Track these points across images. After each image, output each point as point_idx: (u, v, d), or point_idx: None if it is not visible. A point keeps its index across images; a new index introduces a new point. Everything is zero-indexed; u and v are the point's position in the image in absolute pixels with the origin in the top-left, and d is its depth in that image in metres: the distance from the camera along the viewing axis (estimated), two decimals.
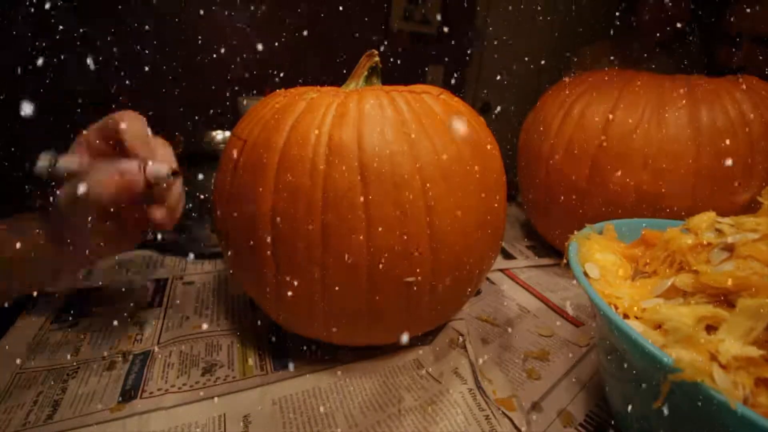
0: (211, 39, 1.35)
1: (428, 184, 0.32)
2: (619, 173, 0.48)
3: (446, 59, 1.72)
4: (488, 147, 0.38)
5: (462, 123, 0.35)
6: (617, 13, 1.16)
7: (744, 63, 0.89)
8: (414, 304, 0.34)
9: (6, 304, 0.39)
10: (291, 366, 0.39)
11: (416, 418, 0.34)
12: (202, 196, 0.57)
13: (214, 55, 1.36)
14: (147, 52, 1.26)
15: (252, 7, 1.40)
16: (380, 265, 0.32)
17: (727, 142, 0.46)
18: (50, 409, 0.33)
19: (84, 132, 0.35)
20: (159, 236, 0.59)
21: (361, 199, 0.31)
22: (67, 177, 0.34)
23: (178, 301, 0.48)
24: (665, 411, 0.24)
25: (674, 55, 1.06)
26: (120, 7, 1.22)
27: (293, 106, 0.34)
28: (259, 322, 0.44)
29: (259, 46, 1.41)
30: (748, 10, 0.87)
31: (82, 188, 0.33)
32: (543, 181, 0.55)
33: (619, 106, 0.50)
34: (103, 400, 0.34)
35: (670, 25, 1.01)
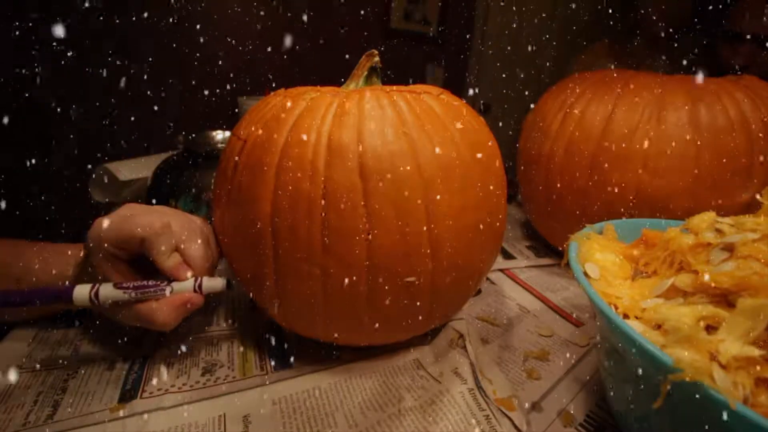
0: (212, 39, 1.35)
1: (428, 184, 0.32)
2: (619, 173, 0.48)
3: (446, 59, 1.72)
4: (488, 147, 0.38)
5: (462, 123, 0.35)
6: (617, 13, 1.16)
7: (746, 63, 0.89)
8: (414, 304, 0.34)
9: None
10: (291, 366, 0.39)
11: (416, 418, 0.34)
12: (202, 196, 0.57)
13: (214, 55, 1.36)
14: (147, 52, 1.26)
15: (252, 8, 1.40)
16: (380, 265, 0.32)
17: (727, 141, 0.46)
18: (50, 409, 0.33)
19: (99, 228, 0.34)
20: None
21: (361, 199, 0.31)
22: (111, 305, 0.34)
23: None
24: (665, 411, 0.24)
25: (674, 55, 1.06)
26: (120, 7, 1.22)
27: (293, 106, 0.34)
28: (259, 322, 0.44)
29: (259, 46, 1.41)
30: (751, 10, 0.87)
31: (139, 317, 0.33)
32: (543, 181, 0.55)
33: (619, 106, 0.50)
34: (103, 400, 0.34)
35: (670, 24, 1.01)
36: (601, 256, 0.34)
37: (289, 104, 0.35)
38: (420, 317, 0.37)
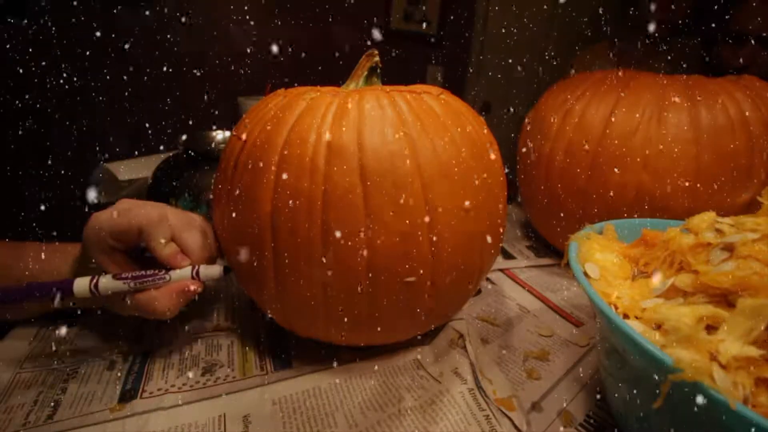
0: (212, 39, 1.35)
1: (428, 184, 0.32)
2: (619, 173, 0.48)
3: (446, 59, 1.72)
4: (488, 147, 0.38)
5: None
6: (617, 14, 1.16)
7: (748, 63, 0.89)
8: (414, 304, 0.34)
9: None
10: (291, 366, 0.39)
11: (416, 418, 0.34)
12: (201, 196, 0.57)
13: (214, 55, 1.36)
14: (148, 52, 1.26)
15: (252, 8, 1.40)
16: (380, 265, 0.32)
17: (727, 142, 0.46)
18: (50, 409, 0.33)
19: (96, 222, 0.35)
20: None
21: (361, 199, 0.31)
22: (111, 295, 0.34)
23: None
24: (665, 411, 0.24)
25: (674, 55, 1.06)
26: (121, 7, 1.22)
27: (293, 106, 0.34)
28: (259, 322, 0.44)
29: (259, 46, 1.41)
30: (754, 11, 0.87)
31: (138, 306, 0.34)
32: (543, 181, 0.55)
33: (619, 106, 0.50)
34: (103, 400, 0.34)
35: (671, 25, 1.01)
36: (601, 256, 0.34)
37: (289, 104, 0.35)
38: (420, 317, 0.37)
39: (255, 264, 0.34)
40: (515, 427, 0.33)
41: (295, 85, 0.40)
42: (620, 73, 0.55)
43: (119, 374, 0.37)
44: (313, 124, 0.32)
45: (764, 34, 0.87)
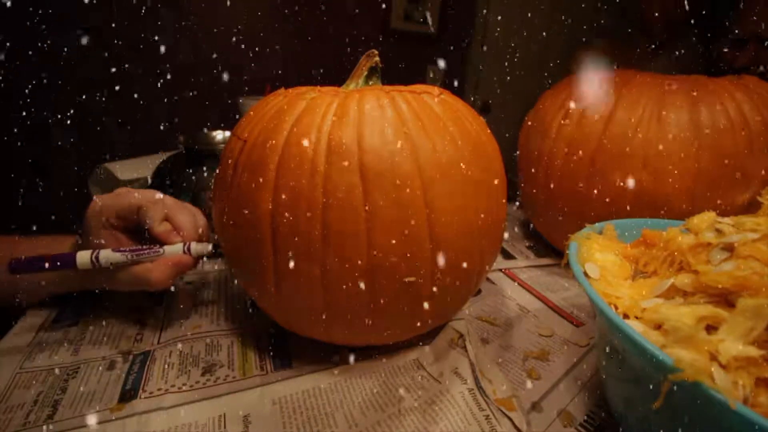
0: (212, 39, 1.35)
1: (428, 184, 0.32)
2: (619, 173, 0.48)
3: (446, 59, 1.72)
4: (488, 147, 0.38)
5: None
6: (618, 13, 1.16)
7: (749, 63, 0.89)
8: (414, 304, 0.34)
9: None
10: (291, 366, 0.39)
11: (416, 418, 0.34)
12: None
13: (214, 55, 1.36)
14: (148, 52, 1.26)
15: (252, 8, 1.40)
16: (380, 265, 0.32)
17: (727, 142, 0.46)
18: (50, 409, 0.33)
19: (98, 204, 0.39)
20: None
21: (361, 199, 0.31)
22: (110, 267, 0.38)
23: (178, 301, 0.48)
24: (665, 411, 0.24)
25: (674, 55, 1.06)
26: (121, 7, 1.22)
27: (293, 106, 0.34)
28: (259, 322, 0.44)
29: (259, 46, 1.41)
30: (757, 12, 0.87)
31: (137, 280, 0.37)
32: (543, 181, 0.55)
33: (619, 106, 0.50)
34: (103, 400, 0.34)
35: (671, 25, 1.01)
36: (601, 256, 0.34)
37: (289, 104, 0.35)
38: (420, 317, 0.37)
39: (255, 264, 0.34)
40: (515, 427, 0.33)
41: (296, 84, 0.40)
42: (620, 73, 0.55)
43: (119, 374, 0.37)
44: (313, 124, 0.32)
45: (766, 35, 0.87)
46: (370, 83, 0.40)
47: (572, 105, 0.53)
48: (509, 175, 0.41)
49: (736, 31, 0.90)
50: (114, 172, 0.70)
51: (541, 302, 0.51)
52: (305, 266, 0.32)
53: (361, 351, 0.40)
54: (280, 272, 0.33)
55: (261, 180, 0.32)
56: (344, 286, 0.32)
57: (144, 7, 1.23)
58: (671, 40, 1.03)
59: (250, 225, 0.33)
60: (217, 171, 0.38)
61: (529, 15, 1.54)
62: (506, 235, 0.68)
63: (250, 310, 0.46)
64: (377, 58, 0.39)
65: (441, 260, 0.33)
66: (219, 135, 0.68)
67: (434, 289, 0.34)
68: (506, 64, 1.62)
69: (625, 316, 0.28)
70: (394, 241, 0.31)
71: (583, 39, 1.20)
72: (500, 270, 0.59)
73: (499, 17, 1.63)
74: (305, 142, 0.32)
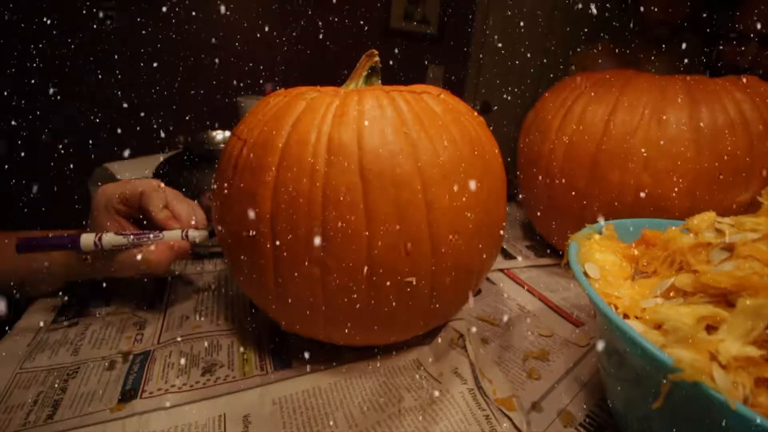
0: (212, 39, 1.35)
1: (428, 184, 0.32)
2: (619, 173, 0.48)
3: (446, 59, 1.72)
4: (488, 147, 0.38)
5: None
6: (617, 13, 1.16)
7: (751, 63, 0.89)
8: (414, 304, 0.34)
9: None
10: (291, 366, 0.39)
11: (416, 418, 0.34)
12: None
13: (214, 55, 1.36)
14: (148, 52, 1.26)
15: (252, 8, 1.40)
16: (380, 265, 0.32)
17: (727, 142, 0.46)
18: (50, 409, 0.33)
19: (105, 189, 0.42)
20: None
21: (361, 199, 0.31)
22: (112, 249, 0.40)
23: (178, 301, 0.48)
24: (665, 411, 0.24)
25: (674, 55, 1.06)
26: (121, 7, 1.22)
27: (293, 106, 0.34)
28: (259, 322, 0.44)
29: (259, 46, 1.41)
30: (756, 10, 0.86)
31: (138, 262, 0.39)
32: (543, 181, 0.55)
33: (619, 107, 0.50)
34: (103, 400, 0.34)
35: (671, 24, 1.01)
36: (601, 256, 0.34)
37: (289, 104, 0.35)
38: (420, 317, 0.37)
39: (255, 264, 0.34)
40: (515, 427, 0.33)
41: (296, 84, 0.40)
42: (620, 73, 0.55)
43: (119, 374, 0.37)
44: (313, 123, 0.32)
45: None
46: (370, 83, 0.40)
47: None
48: (509, 175, 0.41)
49: (738, 29, 0.90)
50: (114, 173, 0.70)
51: (541, 302, 0.52)
52: (305, 266, 0.32)
53: (361, 351, 0.40)
54: (279, 272, 0.33)
55: (261, 180, 0.32)
56: (344, 286, 0.32)
57: (144, 7, 1.23)
58: (671, 40, 1.03)
59: (250, 225, 0.33)
60: (217, 171, 0.38)
61: (530, 15, 1.54)
62: (506, 235, 0.68)
63: (251, 310, 0.46)
64: (377, 58, 0.39)
65: (441, 260, 0.33)
66: (219, 135, 0.68)
67: (434, 289, 0.34)
68: (506, 63, 1.62)
69: (625, 316, 0.28)
70: (394, 241, 0.31)
71: (583, 39, 1.20)
72: (500, 270, 0.59)
73: (499, 17, 1.63)
74: (305, 142, 0.32)
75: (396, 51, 1.58)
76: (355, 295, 0.33)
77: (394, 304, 0.34)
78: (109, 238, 0.39)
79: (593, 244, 0.35)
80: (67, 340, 0.41)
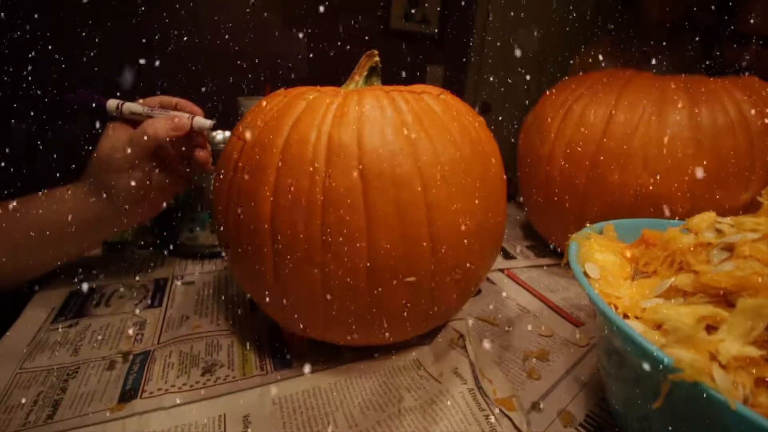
0: (212, 39, 1.35)
1: (428, 184, 0.32)
2: (619, 173, 0.48)
3: (446, 59, 1.72)
4: (488, 147, 0.38)
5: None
6: (618, 13, 1.16)
7: (751, 63, 0.88)
8: (414, 304, 0.34)
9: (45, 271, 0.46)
10: (291, 366, 0.39)
11: (416, 418, 0.34)
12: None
13: (214, 55, 1.36)
14: (147, 52, 1.26)
15: (252, 8, 1.40)
16: (380, 265, 0.32)
17: (727, 142, 0.46)
18: (50, 409, 0.33)
19: (110, 142, 0.43)
20: (160, 234, 0.59)
21: (361, 199, 0.31)
22: (130, 116, 0.44)
23: (178, 301, 0.48)
24: (665, 411, 0.24)
25: (674, 55, 1.06)
26: (120, 7, 1.22)
27: (293, 106, 0.34)
28: (259, 322, 0.44)
29: (259, 46, 1.41)
30: (757, 9, 0.86)
31: (141, 129, 0.41)
32: (543, 181, 0.55)
33: (619, 106, 0.50)
34: (103, 400, 0.34)
35: (671, 24, 1.01)
36: (601, 256, 0.34)
37: (289, 104, 0.35)
38: (420, 317, 0.37)
39: (255, 264, 0.34)
40: (515, 427, 0.33)
41: (296, 84, 0.40)
42: (620, 73, 0.55)
43: (119, 374, 0.37)
44: (313, 123, 0.32)
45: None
46: (370, 83, 0.40)
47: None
48: (509, 175, 0.41)
49: (738, 29, 0.90)
50: None
51: (541, 302, 0.51)
52: (305, 266, 0.32)
53: (361, 351, 0.40)
54: (279, 272, 0.33)
55: (261, 180, 0.32)
56: (344, 287, 0.32)
57: (144, 7, 1.23)
58: (671, 40, 1.03)
59: (250, 225, 0.33)
60: (217, 171, 0.38)
61: (530, 15, 1.54)
62: (506, 235, 0.68)
63: (251, 310, 0.46)
64: (377, 58, 0.39)
65: (441, 260, 0.33)
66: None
67: (434, 289, 0.34)
68: (506, 64, 1.62)
69: (625, 316, 0.28)
70: (394, 241, 0.31)
71: (583, 39, 1.20)
72: (500, 270, 0.59)
73: (500, 17, 1.63)
74: (305, 142, 0.32)
75: (396, 51, 1.58)
76: (355, 295, 0.33)
77: (394, 304, 0.34)
78: (130, 105, 0.44)
79: (593, 244, 0.35)
80: (67, 340, 0.41)
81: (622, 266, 0.34)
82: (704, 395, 0.20)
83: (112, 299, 0.47)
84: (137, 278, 0.52)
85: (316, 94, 0.35)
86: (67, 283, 0.49)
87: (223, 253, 0.39)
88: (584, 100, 0.53)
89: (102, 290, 0.49)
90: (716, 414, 0.20)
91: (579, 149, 0.51)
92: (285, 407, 0.34)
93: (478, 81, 1.72)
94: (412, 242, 0.32)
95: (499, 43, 1.64)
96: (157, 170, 0.44)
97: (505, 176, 0.39)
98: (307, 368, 0.38)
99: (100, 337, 0.41)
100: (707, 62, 0.99)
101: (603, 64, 1.09)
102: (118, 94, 0.48)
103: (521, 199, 0.66)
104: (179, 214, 0.56)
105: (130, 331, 0.42)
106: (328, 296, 0.33)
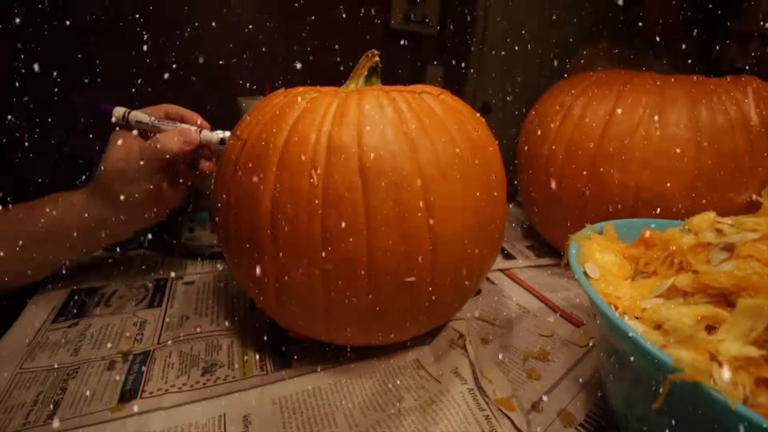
0: (211, 39, 1.35)
1: (428, 184, 0.32)
2: (619, 173, 0.48)
3: (446, 59, 1.72)
4: (488, 147, 0.38)
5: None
6: (618, 14, 1.16)
7: (752, 63, 0.88)
8: (414, 304, 0.34)
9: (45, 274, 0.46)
10: (291, 366, 0.39)
11: (416, 418, 0.34)
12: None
13: (214, 55, 1.36)
14: (147, 52, 1.26)
15: (252, 8, 1.40)
16: (380, 265, 0.32)
17: (727, 142, 0.46)
18: (50, 409, 0.33)
19: (117, 154, 0.42)
20: (162, 234, 0.59)
21: (361, 199, 0.31)
22: (136, 125, 0.43)
23: (178, 301, 0.48)
24: (665, 411, 0.24)
25: (674, 55, 1.06)
26: (119, 7, 1.22)
27: (293, 106, 0.34)
28: (259, 322, 0.44)
29: (259, 46, 1.41)
30: (757, 10, 0.86)
31: (150, 144, 0.41)
32: (543, 181, 0.55)
33: (619, 106, 0.50)
34: (103, 400, 0.34)
35: (671, 24, 1.01)
36: (601, 256, 0.34)
37: (289, 104, 0.35)
38: (420, 317, 0.37)
39: (255, 264, 0.34)
40: (515, 427, 0.33)
41: (296, 84, 0.40)
42: (620, 73, 0.55)
43: (119, 374, 0.37)
44: (313, 123, 0.32)
45: None
46: (370, 83, 0.40)
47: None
48: (509, 175, 0.41)
49: (738, 29, 0.89)
50: None
51: (541, 302, 0.51)
52: (305, 266, 0.32)
53: (361, 351, 0.40)
54: (279, 272, 0.33)
55: (261, 180, 0.32)
56: (344, 286, 0.32)
57: (144, 7, 1.23)
58: (671, 40, 1.03)
59: (250, 225, 0.33)
60: (217, 171, 0.38)
61: (530, 15, 1.54)
62: (506, 235, 0.68)
63: (251, 310, 0.46)
64: (377, 58, 0.39)
65: (441, 260, 0.33)
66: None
67: (434, 289, 0.34)
68: (506, 63, 1.62)
69: (625, 316, 0.28)
70: (393, 241, 0.31)
71: (583, 39, 1.20)
72: (500, 270, 0.59)
73: (500, 17, 1.63)
74: (305, 142, 0.32)
75: (396, 51, 1.58)
76: (355, 296, 0.33)
77: (394, 304, 0.34)
78: (136, 114, 0.43)
79: (593, 244, 0.35)
80: (67, 340, 0.41)
81: (622, 266, 0.34)
82: (704, 395, 0.20)
83: (112, 299, 0.47)
84: (137, 278, 0.52)
85: (316, 94, 0.35)
86: (67, 283, 0.49)
87: (223, 253, 0.39)
88: (584, 100, 0.53)
89: (102, 290, 0.49)
90: (716, 414, 0.20)
91: (579, 149, 0.51)
92: (285, 407, 0.34)
93: (478, 81, 1.72)
94: (412, 242, 0.32)
95: (499, 43, 1.64)
96: (164, 181, 0.44)
97: (505, 176, 0.39)
98: (307, 368, 0.38)
99: (100, 337, 0.41)
100: (707, 62, 0.99)
101: (603, 64, 1.09)
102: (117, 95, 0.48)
103: (521, 199, 0.66)
104: (179, 215, 0.56)
105: (130, 332, 0.42)
106: (328, 296, 0.33)
